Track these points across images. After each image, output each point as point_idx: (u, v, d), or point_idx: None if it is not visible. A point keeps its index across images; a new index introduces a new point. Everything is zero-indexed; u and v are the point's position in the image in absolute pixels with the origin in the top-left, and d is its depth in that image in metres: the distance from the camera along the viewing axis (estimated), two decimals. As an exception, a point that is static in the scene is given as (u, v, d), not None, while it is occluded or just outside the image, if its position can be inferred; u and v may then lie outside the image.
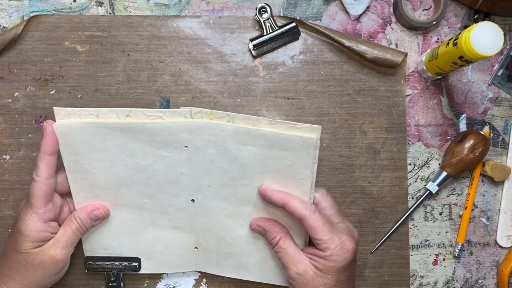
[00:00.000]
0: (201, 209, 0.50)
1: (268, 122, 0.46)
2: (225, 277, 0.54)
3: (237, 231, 0.51)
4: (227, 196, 0.49)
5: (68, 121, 0.46)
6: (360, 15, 0.55)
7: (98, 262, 0.52)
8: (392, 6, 0.56)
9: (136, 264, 0.52)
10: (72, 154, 0.47)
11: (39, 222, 0.45)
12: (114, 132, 0.46)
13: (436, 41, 0.56)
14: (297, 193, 0.47)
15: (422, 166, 0.56)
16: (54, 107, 0.46)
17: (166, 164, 0.47)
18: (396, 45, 0.56)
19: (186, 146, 0.47)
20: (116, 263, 0.52)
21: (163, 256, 0.52)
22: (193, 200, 0.50)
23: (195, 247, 0.52)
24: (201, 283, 0.54)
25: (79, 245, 0.50)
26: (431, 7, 0.56)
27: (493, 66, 0.56)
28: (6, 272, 0.46)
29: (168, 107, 0.54)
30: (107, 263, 0.52)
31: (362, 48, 0.53)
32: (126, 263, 0.52)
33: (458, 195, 0.56)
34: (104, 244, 0.51)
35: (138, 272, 0.53)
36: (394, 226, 0.54)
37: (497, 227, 0.56)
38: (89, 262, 0.52)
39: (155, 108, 0.50)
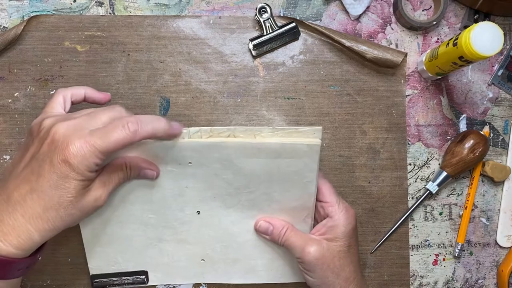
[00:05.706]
0: (207, 220, 0.50)
1: (270, 130, 0.44)
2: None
3: (242, 236, 0.51)
4: (232, 204, 0.49)
5: None
6: (360, 15, 0.55)
7: (105, 279, 0.52)
8: (392, 6, 0.56)
9: (143, 277, 0.52)
10: None
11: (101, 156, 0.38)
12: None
13: (436, 41, 0.56)
14: (303, 194, 0.48)
15: (422, 166, 0.56)
16: None
17: (171, 179, 0.47)
18: (396, 45, 0.56)
19: (190, 163, 0.46)
20: (123, 278, 0.52)
21: (170, 269, 0.52)
22: (198, 212, 0.49)
23: (202, 259, 0.52)
24: (201, 283, 0.54)
25: (84, 264, 0.50)
26: (431, 7, 0.56)
27: (493, 66, 0.56)
28: (39, 213, 0.37)
29: (168, 107, 0.54)
30: (114, 279, 0.52)
31: (362, 48, 0.53)
32: (133, 277, 0.52)
33: (458, 195, 0.56)
34: (110, 260, 0.51)
35: (146, 285, 0.52)
36: (394, 226, 0.54)
37: (497, 227, 0.56)
38: (96, 280, 0.52)
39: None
